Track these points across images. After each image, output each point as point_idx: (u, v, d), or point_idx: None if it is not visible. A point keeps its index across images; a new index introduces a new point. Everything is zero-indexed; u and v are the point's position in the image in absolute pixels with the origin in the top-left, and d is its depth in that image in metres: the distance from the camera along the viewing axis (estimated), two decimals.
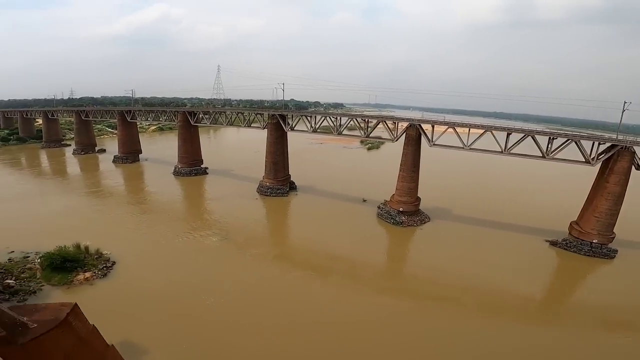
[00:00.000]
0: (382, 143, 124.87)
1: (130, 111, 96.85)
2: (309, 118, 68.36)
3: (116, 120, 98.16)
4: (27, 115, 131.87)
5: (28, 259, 38.91)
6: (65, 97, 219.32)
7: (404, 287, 39.38)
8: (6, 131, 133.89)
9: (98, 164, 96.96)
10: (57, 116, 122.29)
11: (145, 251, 43.33)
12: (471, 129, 55.33)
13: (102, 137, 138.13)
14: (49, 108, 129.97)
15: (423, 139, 57.12)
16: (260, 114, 74.01)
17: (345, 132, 66.08)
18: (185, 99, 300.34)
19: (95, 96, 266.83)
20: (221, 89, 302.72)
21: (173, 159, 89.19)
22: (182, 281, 36.80)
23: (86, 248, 39.71)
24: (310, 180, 78.06)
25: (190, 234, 49.27)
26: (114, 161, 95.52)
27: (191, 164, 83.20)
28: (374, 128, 61.93)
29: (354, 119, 62.92)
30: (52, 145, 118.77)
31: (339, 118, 64.95)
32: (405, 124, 57.65)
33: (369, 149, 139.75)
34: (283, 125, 68.41)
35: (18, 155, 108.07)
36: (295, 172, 74.57)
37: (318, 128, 66.88)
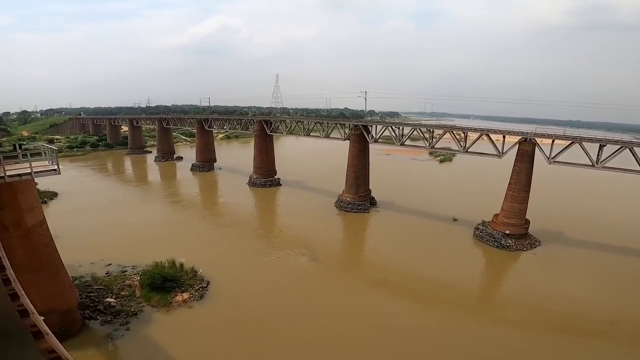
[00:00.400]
0: (454, 155, 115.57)
1: (207, 119, 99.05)
2: (395, 129, 63.10)
3: (190, 128, 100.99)
4: (114, 122, 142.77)
5: (125, 274, 37.98)
6: (143, 105, 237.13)
7: (535, 319, 32.82)
8: (95, 137, 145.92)
9: (177, 172, 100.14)
10: (140, 124, 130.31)
11: (236, 270, 40.88)
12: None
13: (177, 144, 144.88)
14: (133, 116, 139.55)
15: (537, 155, 49.47)
16: (342, 124, 70.25)
17: (436, 145, 59.88)
18: (244, 107, 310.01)
19: (167, 104, 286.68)
20: (279, 97, 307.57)
21: (245, 168, 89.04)
22: (277, 307, 33.40)
23: (181, 265, 38.02)
24: (389, 194, 72.29)
25: (277, 252, 46.24)
26: (191, 169, 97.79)
27: (266, 174, 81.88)
28: (475, 142, 54.80)
29: (450, 132, 56.44)
30: (136, 152, 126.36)
31: (431, 130, 58.80)
32: (516, 138, 50.11)
33: (440, 161, 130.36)
34: (366, 136, 64.00)
35: (106, 161, 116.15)
36: (371, 185, 69.49)
37: (406, 140, 61.54)
